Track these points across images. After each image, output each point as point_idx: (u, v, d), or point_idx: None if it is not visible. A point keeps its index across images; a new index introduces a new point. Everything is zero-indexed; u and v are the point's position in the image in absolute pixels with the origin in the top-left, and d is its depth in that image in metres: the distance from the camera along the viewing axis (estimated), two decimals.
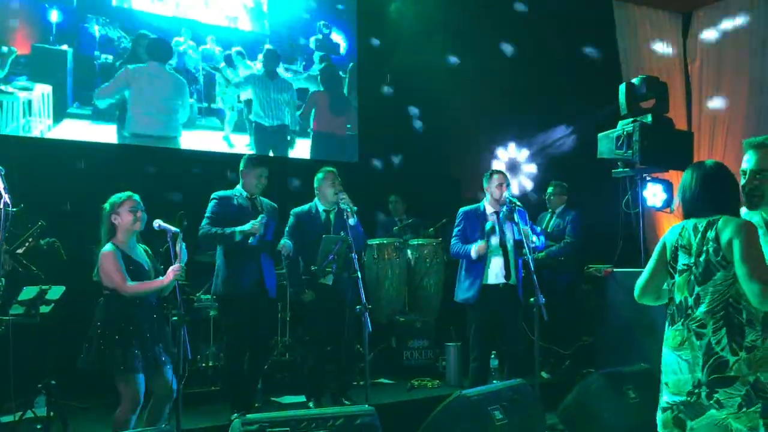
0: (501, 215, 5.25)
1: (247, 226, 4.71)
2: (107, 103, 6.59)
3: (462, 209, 5.41)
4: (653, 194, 5.96)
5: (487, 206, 5.31)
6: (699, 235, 2.77)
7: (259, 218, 4.74)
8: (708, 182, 2.83)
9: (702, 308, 2.72)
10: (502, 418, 4.18)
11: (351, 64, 8.17)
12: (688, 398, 2.69)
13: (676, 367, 2.75)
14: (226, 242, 4.78)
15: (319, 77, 7.93)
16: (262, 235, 4.81)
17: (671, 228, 2.95)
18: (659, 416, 2.82)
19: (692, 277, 2.77)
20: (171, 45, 6.97)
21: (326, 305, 5.13)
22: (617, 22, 8.46)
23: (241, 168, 4.99)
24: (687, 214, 2.88)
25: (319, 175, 5.29)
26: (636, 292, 3.00)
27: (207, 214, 4.86)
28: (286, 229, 5.19)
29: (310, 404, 5.12)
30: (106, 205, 3.97)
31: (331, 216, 5.25)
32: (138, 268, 3.93)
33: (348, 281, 4.97)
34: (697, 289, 2.75)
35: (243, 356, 4.89)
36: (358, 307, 4.36)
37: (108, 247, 3.90)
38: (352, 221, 4.93)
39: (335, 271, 4.87)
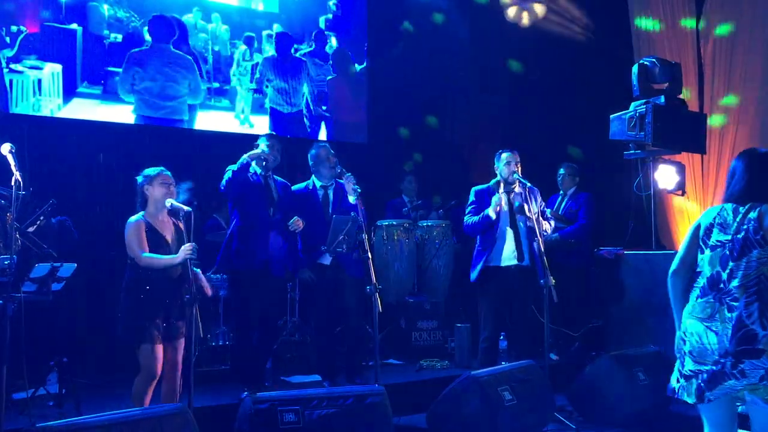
0: (514, 201, 5.22)
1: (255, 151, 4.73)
2: (125, 88, 6.58)
3: (474, 188, 5.40)
4: (665, 176, 5.92)
5: (499, 186, 5.29)
6: (740, 216, 2.85)
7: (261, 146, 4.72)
8: (757, 172, 2.90)
9: (735, 282, 2.79)
10: (511, 398, 4.20)
11: (365, 45, 8.10)
12: (713, 367, 2.75)
13: (705, 337, 2.79)
14: (239, 176, 4.73)
15: (330, 59, 7.87)
16: (272, 215, 4.80)
17: (708, 210, 3.03)
18: (679, 383, 2.87)
19: (727, 251, 2.84)
20: (183, 25, 6.90)
21: (327, 285, 5.15)
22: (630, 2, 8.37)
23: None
24: (730, 199, 2.94)
25: (312, 152, 5.29)
26: (672, 267, 3.04)
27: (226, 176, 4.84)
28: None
29: (325, 384, 5.14)
30: (140, 177, 4.07)
31: (330, 192, 5.25)
32: (160, 241, 4.00)
33: (357, 261, 4.96)
34: (731, 264, 2.82)
35: (251, 333, 4.90)
36: (368, 287, 4.35)
37: (135, 217, 4.01)
38: (351, 199, 4.90)
39: (345, 251, 4.86)
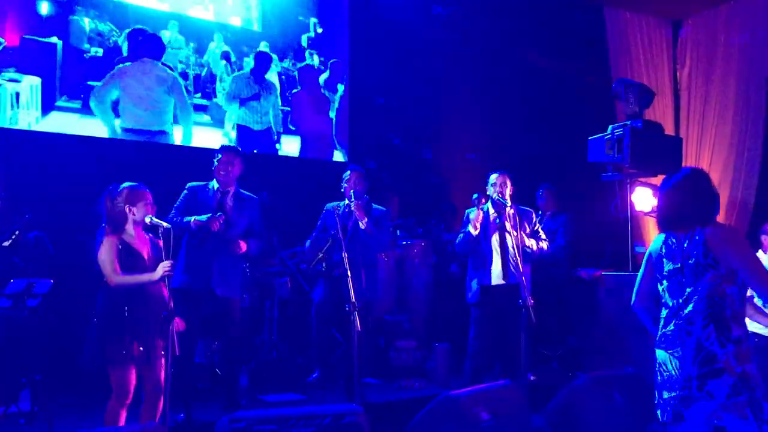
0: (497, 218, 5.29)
1: (202, 218, 4.71)
2: (103, 102, 6.53)
3: (468, 210, 5.48)
4: (642, 198, 5.99)
5: (489, 207, 5.35)
6: (687, 241, 2.93)
7: (215, 215, 4.72)
8: (687, 196, 2.99)
9: (690, 306, 2.87)
10: (488, 419, 4.19)
11: (335, 61, 8.13)
12: (681, 392, 2.79)
13: (669, 365, 2.84)
14: (185, 230, 4.75)
15: (297, 75, 7.87)
16: (221, 232, 4.77)
17: (655, 238, 3.13)
18: (660, 414, 2.92)
19: (682, 278, 2.91)
20: (162, 41, 6.90)
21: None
22: (608, 27, 8.52)
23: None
24: (666, 227, 3.04)
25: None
26: (632, 300, 3.21)
27: (175, 204, 4.88)
28: None
29: (316, 372, 5.37)
30: (119, 193, 3.94)
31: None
32: (136, 260, 3.91)
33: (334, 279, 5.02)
34: (687, 290, 2.89)
35: (190, 350, 4.85)
36: (347, 305, 4.35)
37: (107, 236, 3.90)
38: (361, 225, 5.11)
39: (324, 269, 4.89)
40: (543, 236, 5.47)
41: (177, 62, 7.02)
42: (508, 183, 5.35)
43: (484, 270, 5.30)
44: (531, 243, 5.27)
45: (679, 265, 2.91)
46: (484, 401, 4.30)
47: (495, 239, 5.28)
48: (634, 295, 3.19)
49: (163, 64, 6.88)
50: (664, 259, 2.97)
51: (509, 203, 5.25)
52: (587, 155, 6.03)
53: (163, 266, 3.82)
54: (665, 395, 2.90)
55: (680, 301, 2.89)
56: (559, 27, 8.18)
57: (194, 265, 4.77)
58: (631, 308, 3.22)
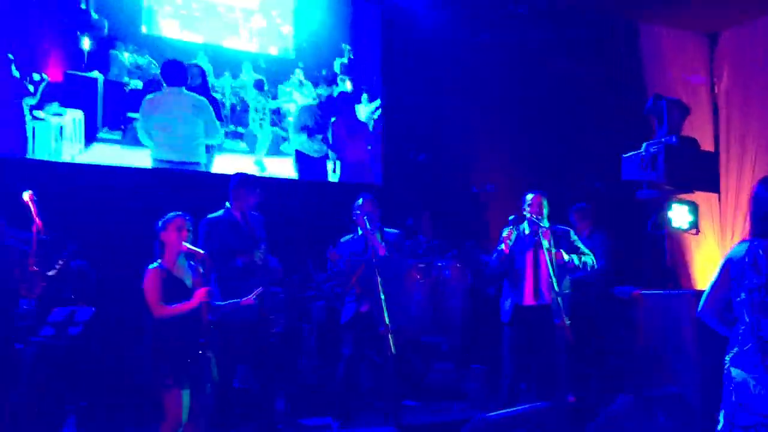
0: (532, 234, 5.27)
1: None
2: (145, 135, 6.71)
3: (504, 230, 5.46)
4: (679, 215, 5.92)
5: (526, 227, 5.35)
6: None
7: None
8: None
9: None
10: None
11: (379, 87, 8.23)
12: (765, 419, 2.65)
13: (752, 389, 2.72)
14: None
15: (338, 100, 7.99)
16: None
17: (737, 245, 2.91)
18: None
19: (764, 296, 2.73)
20: (185, 67, 6.94)
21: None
22: (643, 43, 8.47)
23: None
24: (758, 233, 2.82)
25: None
26: (699, 307, 3.00)
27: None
28: None
29: (334, 426, 5.12)
30: (159, 222, 4.07)
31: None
32: (179, 288, 4.00)
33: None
34: None
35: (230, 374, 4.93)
36: (381, 328, 4.38)
37: (153, 265, 4.01)
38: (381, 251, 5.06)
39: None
40: (585, 251, 5.41)
41: (216, 92, 7.19)
42: (544, 203, 5.33)
43: (517, 289, 5.29)
44: (571, 258, 5.21)
45: (765, 279, 2.71)
46: (521, 423, 4.27)
47: (530, 259, 5.26)
48: (702, 301, 2.98)
49: (197, 91, 7.03)
50: (748, 270, 2.76)
51: (544, 223, 5.22)
52: (621, 173, 5.98)
53: (198, 294, 3.90)
54: (750, 421, 2.71)
55: (763, 320, 2.72)
56: (593, 44, 8.16)
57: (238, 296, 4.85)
58: (699, 316, 3.02)
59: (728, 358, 2.84)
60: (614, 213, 6.79)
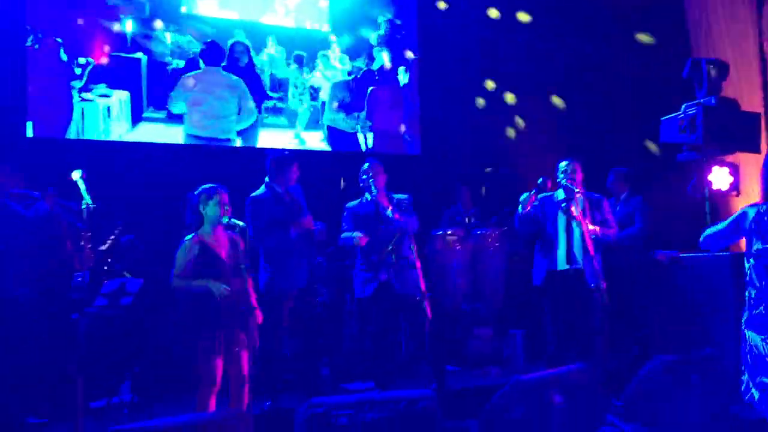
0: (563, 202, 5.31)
1: None
2: (179, 108, 6.92)
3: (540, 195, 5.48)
4: (719, 178, 5.84)
5: (560, 193, 5.41)
6: None
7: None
8: None
9: None
10: (561, 402, 4.24)
11: (413, 56, 8.26)
12: None
13: (762, 348, 2.81)
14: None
15: (377, 72, 8.06)
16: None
17: (749, 207, 2.99)
18: (755, 392, 2.84)
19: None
20: (223, 49, 7.14)
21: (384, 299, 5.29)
22: (688, 2, 8.25)
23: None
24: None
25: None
26: (702, 238, 3.20)
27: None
28: None
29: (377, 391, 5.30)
30: (196, 195, 4.17)
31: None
32: (213, 260, 4.11)
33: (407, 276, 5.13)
34: None
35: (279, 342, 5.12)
36: (417, 295, 4.49)
37: (188, 237, 4.13)
38: (388, 212, 5.12)
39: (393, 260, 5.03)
40: (612, 224, 5.44)
41: (254, 68, 7.33)
42: (578, 170, 5.35)
43: (550, 255, 5.35)
44: (594, 228, 5.24)
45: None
46: (556, 384, 4.35)
47: (561, 224, 5.31)
48: (705, 235, 3.16)
49: (236, 71, 7.20)
50: (754, 237, 2.83)
51: (578, 189, 5.25)
52: (660, 135, 5.93)
53: (220, 291, 4.02)
54: (757, 378, 2.81)
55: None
56: (635, 3, 7.98)
57: (290, 266, 5.01)
58: (699, 243, 3.18)
59: (743, 321, 2.87)
60: (653, 175, 6.73)
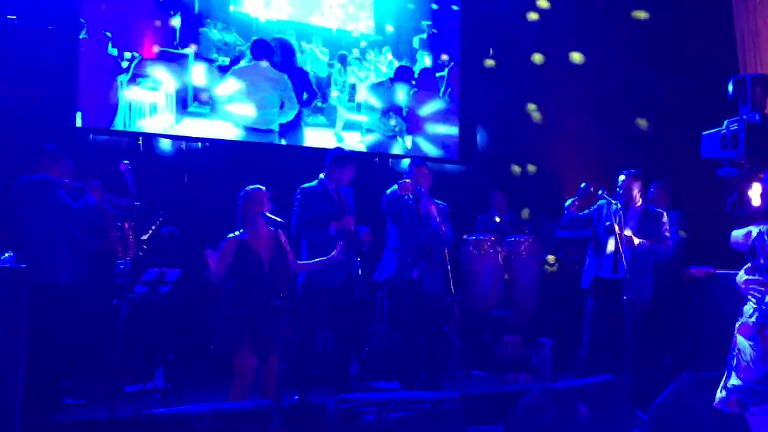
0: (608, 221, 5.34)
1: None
2: (225, 101, 7.07)
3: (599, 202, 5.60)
4: (758, 195, 5.76)
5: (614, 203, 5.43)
6: None
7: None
8: None
9: None
10: (587, 412, 4.26)
11: (452, 63, 8.30)
12: (755, 386, 2.78)
13: (747, 356, 2.83)
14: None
15: (417, 77, 8.12)
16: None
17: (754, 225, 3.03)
18: (721, 395, 2.92)
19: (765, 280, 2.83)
20: (271, 45, 7.28)
21: (411, 297, 5.34)
22: (735, 14, 8.13)
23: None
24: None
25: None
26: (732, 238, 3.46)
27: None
28: None
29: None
30: (242, 194, 4.32)
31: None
32: (251, 257, 4.21)
33: (436, 275, 5.17)
34: None
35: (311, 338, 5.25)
36: (448, 297, 4.54)
37: (232, 234, 4.25)
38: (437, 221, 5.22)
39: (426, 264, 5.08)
40: (663, 240, 5.51)
41: (298, 68, 7.46)
42: (634, 183, 5.45)
43: (599, 260, 5.48)
44: (641, 243, 5.28)
45: (763, 261, 2.88)
46: (583, 395, 4.38)
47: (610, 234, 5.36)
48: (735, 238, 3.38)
49: (282, 68, 7.32)
50: (758, 252, 2.94)
51: (617, 204, 5.28)
52: (700, 151, 5.86)
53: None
54: (736, 382, 2.93)
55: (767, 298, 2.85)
56: (682, 16, 7.91)
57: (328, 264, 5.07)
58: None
59: (737, 326, 3.03)
60: (693, 189, 6.67)
